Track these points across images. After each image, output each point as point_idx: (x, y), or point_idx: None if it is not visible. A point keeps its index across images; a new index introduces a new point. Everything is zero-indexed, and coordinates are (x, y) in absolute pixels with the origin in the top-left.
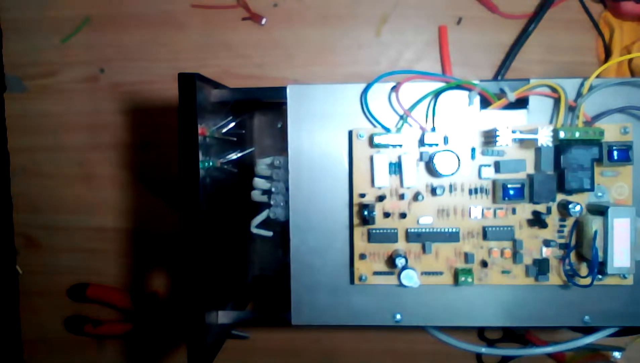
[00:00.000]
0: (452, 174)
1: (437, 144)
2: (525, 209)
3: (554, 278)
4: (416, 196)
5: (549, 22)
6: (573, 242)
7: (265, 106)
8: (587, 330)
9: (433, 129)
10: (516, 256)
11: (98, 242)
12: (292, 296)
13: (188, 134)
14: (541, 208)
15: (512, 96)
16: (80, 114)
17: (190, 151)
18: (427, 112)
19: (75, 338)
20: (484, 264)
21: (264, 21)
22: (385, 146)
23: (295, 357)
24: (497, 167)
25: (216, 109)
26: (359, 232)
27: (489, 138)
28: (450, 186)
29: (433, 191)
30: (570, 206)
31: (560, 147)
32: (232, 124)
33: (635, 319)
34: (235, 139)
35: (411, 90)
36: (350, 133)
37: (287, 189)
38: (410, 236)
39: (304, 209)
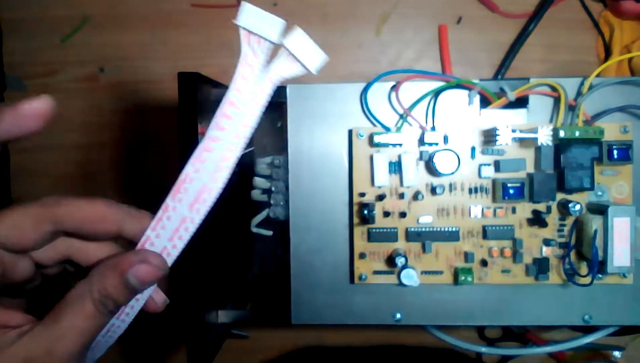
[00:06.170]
0: (452, 173)
1: (437, 144)
2: (525, 209)
3: (554, 277)
4: (416, 196)
5: (548, 21)
6: (573, 241)
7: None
8: (587, 330)
9: (433, 129)
10: (516, 255)
11: None
12: (292, 296)
13: (188, 134)
14: (541, 207)
15: (512, 95)
16: (80, 114)
17: (190, 150)
18: (427, 111)
19: None
20: (484, 263)
21: None
22: (385, 145)
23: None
24: (497, 166)
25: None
26: (359, 231)
27: (489, 137)
28: (450, 185)
29: (433, 190)
30: (570, 205)
31: (560, 146)
32: None
33: (636, 318)
34: None
35: (411, 89)
36: (350, 132)
37: (287, 188)
38: (410, 236)
39: (304, 208)
